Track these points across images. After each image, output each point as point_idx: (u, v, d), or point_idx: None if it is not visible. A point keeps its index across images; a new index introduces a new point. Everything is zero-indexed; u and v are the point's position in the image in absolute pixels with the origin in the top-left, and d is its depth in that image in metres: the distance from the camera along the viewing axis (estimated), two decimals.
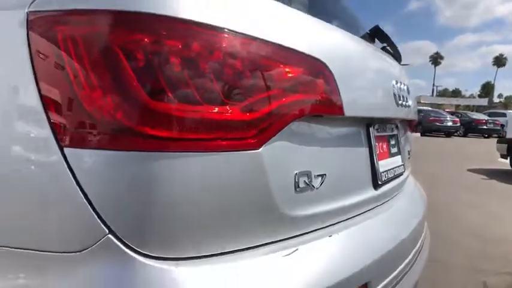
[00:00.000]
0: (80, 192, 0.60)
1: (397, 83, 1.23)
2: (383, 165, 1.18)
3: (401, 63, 1.58)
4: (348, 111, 0.88)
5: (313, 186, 0.83)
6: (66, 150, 0.61)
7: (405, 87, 1.32)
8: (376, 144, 1.14)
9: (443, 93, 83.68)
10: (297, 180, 0.79)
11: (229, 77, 0.65)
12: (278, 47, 0.73)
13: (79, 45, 0.60)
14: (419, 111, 15.01)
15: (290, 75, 0.75)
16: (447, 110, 28.07)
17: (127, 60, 0.58)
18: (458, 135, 21.16)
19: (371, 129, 1.11)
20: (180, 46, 0.60)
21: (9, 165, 0.64)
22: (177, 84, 0.60)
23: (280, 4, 0.80)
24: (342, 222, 0.94)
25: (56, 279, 0.62)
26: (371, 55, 1.15)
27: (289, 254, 0.75)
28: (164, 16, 0.60)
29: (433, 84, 79.25)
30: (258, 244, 0.73)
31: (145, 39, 0.59)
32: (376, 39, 1.39)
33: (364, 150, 1.09)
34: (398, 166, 1.34)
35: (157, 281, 0.60)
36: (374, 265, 0.88)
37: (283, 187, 0.76)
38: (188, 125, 0.61)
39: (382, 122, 1.23)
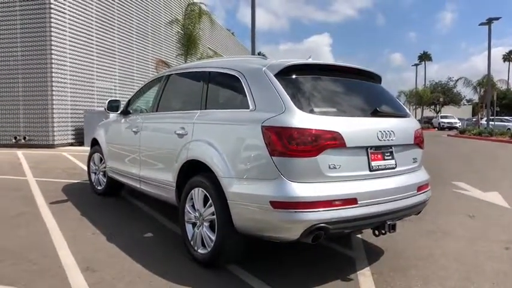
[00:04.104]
0: (277, 169, 2.45)
1: (381, 131, 2.72)
2: (375, 163, 2.71)
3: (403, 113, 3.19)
4: (349, 145, 2.55)
5: (335, 168, 2.49)
6: (273, 157, 2.46)
7: (389, 131, 2.77)
8: (372, 155, 2.69)
9: None
10: (329, 165, 2.49)
11: (308, 139, 2.44)
12: (324, 130, 2.49)
13: (275, 136, 2.45)
14: None
15: (327, 136, 2.48)
16: None
17: (281, 139, 2.44)
18: None
19: (368, 149, 2.67)
20: (291, 131, 2.43)
21: (259, 161, 2.56)
22: (296, 142, 2.43)
23: (322, 116, 2.57)
24: (351, 180, 2.57)
25: (268, 183, 2.48)
26: (366, 123, 2.75)
27: (324, 184, 2.48)
28: (286, 127, 2.46)
29: None
30: (315, 181, 2.47)
31: (288, 133, 2.43)
32: (379, 112, 2.89)
33: (366, 157, 2.67)
34: (390, 164, 2.82)
35: (290, 185, 2.41)
36: (360, 194, 2.52)
37: (325, 167, 2.49)
38: (299, 151, 2.43)
39: (377, 147, 2.73)
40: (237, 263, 2.93)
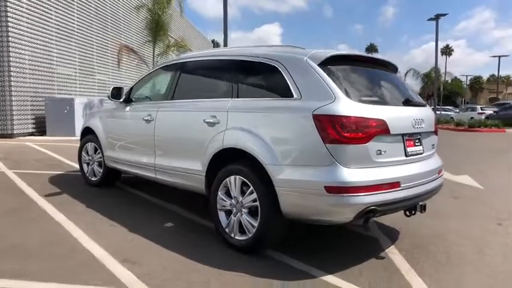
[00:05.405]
0: (331, 155, 2.58)
1: (414, 119, 3.00)
2: (409, 149, 2.95)
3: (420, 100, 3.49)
4: (392, 132, 2.78)
5: (381, 154, 2.71)
6: (327, 144, 2.59)
7: (420, 119, 3.06)
8: (407, 141, 2.92)
9: None
10: (377, 152, 2.68)
11: (359, 127, 2.62)
12: (373, 118, 2.70)
13: (329, 124, 2.59)
14: None
15: (375, 124, 2.69)
16: None
17: (335, 127, 2.58)
18: None
19: (404, 136, 2.90)
20: (344, 119, 2.59)
21: (311, 148, 2.65)
22: (349, 130, 2.59)
23: (368, 105, 2.77)
24: (393, 165, 2.82)
25: (322, 169, 2.63)
26: (402, 112, 3.05)
27: (373, 169, 2.68)
28: (340, 115, 2.60)
29: None
30: (366, 166, 2.66)
31: (342, 121, 2.59)
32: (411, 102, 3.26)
33: (402, 143, 2.90)
34: (419, 149, 3.08)
35: (344, 170, 2.58)
36: (402, 178, 2.77)
37: (374, 153, 2.69)
38: (352, 138, 2.60)
39: (410, 134, 2.97)
40: (273, 249, 3.04)
